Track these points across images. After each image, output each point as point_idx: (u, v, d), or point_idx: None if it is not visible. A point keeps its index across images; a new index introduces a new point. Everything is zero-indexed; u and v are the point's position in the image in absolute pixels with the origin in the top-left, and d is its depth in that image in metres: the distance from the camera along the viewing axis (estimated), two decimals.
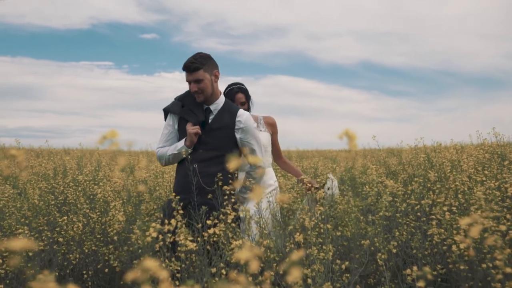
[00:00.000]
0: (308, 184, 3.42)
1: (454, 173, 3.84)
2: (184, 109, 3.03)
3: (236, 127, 3.01)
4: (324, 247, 2.68)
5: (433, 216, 3.07)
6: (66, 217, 3.64)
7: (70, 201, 4.16)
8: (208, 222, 2.58)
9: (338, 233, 2.88)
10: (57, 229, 3.60)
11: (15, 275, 3.26)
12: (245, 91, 3.55)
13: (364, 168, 5.25)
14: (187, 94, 3.08)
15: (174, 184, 3.09)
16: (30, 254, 3.07)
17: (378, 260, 2.70)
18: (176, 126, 3.09)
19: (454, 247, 2.64)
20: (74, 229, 3.57)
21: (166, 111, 3.14)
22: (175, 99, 3.12)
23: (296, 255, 0.77)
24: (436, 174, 4.20)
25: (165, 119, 3.15)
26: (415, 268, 2.47)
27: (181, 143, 2.98)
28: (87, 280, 3.47)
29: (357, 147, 1.11)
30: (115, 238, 3.50)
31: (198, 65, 2.94)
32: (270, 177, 3.53)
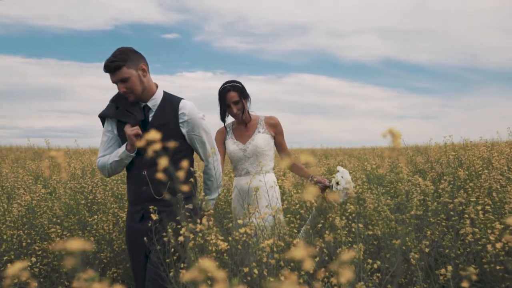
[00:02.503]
0: (319, 184, 3.30)
1: (486, 171, 3.76)
2: (119, 111, 2.70)
3: (180, 120, 2.69)
4: (354, 246, 2.66)
5: (466, 215, 3.01)
6: (96, 216, 3.68)
7: (99, 200, 4.21)
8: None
9: (370, 232, 2.84)
10: (88, 228, 3.65)
11: (48, 274, 3.32)
12: (239, 89, 3.28)
13: (391, 167, 5.19)
14: (120, 94, 2.72)
15: (127, 194, 2.83)
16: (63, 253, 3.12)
17: (411, 260, 2.66)
18: (115, 131, 2.76)
19: (489, 247, 2.59)
20: (104, 227, 3.61)
21: (102, 117, 2.80)
22: (110, 101, 2.79)
23: (347, 255, 0.76)
24: (467, 172, 4.13)
25: (103, 126, 2.81)
26: (449, 267, 2.43)
27: (122, 148, 2.67)
28: (117, 279, 3.51)
29: (400, 145, 1.08)
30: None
31: (120, 62, 2.58)
32: (269, 181, 3.26)
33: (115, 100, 2.75)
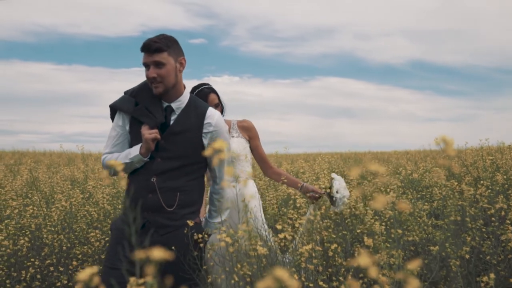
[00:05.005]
0: (311, 193, 3.08)
1: None
2: (138, 108, 2.39)
3: (205, 130, 2.41)
4: (393, 252, 2.64)
5: (508, 221, 2.95)
6: None
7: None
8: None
9: (410, 238, 2.81)
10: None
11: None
12: (216, 92, 3.12)
13: (426, 170, 5.12)
14: (142, 88, 2.45)
15: (125, 201, 2.57)
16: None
17: (452, 267, 2.62)
18: (127, 127, 2.46)
19: None
20: None
21: (114, 108, 2.49)
22: (125, 93, 2.50)
23: (413, 264, 0.76)
24: (505, 177, 4.05)
25: (112, 118, 2.52)
26: (492, 275, 2.39)
27: (135, 150, 2.36)
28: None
29: (454, 153, 1.08)
30: None
31: (162, 45, 2.31)
32: (250, 190, 3.09)
33: (134, 94, 2.45)
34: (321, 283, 2.42)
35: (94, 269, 0.89)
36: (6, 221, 3.52)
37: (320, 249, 2.64)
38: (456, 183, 3.73)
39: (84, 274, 0.89)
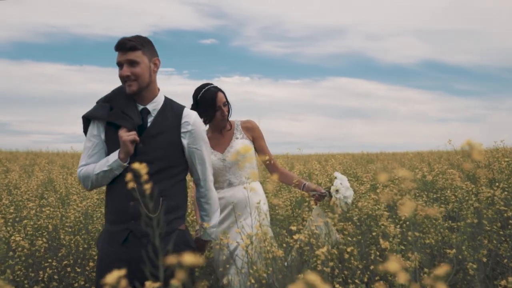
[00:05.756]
0: (313, 192, 3.03)
1: None
2: (113, 112, 2.32)
3: (183, 130, 2.36)
4: (409, 254, 2.63)
5: None
6: None
7: None
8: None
9: (428, 241, 2.79)
10: None
11: None
12: (223, 91, 3.04)
13: (441, 172, 5.09)
14: (115, 93, 2.40)
15: (105, 211, 2.40)
16: None
17: (469, 270, 2.60)
18: (103, 136, 2.37)
19: None
20: None
21: (87, 118, 2.40)
22: (97, 102, 2.42)
23: (441, 269, 0.77)
24: None
25: (85, 130, 2.43)
26: (510, 278, 2.36)
27: (113, 156, 2.27)
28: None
29: (480, 157, 1.08)
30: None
31: (137, 44, 2.27)
32: (256, 195, 2.97)
33: (109, 100, 2.39)
34: (337, 285, 2.42)
35: (122, 271, 0.90)
36: (25, 221, 3.56)
37: (336, 251, 2.63)
38: (471, 185, 3.70)
39: (112, 277, 0.90)
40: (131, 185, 1.24)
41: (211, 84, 3.03)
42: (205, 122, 3.00)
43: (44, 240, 3.42)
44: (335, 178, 3.01)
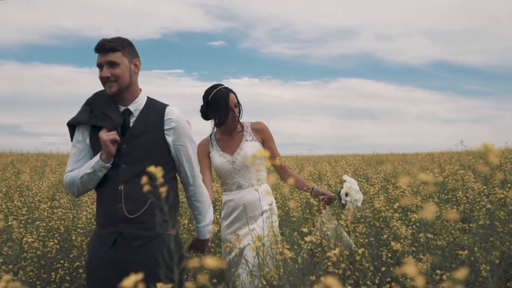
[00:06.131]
0: (323, 196, 2.98)
1: None
2: (94, 114, 2.31)
3: (166, 127, 2.32)
4: (421, 256, 2.61)
5: None
6: None
7: None
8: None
9: (440, 243, 2.77)
10: None
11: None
12: (234, 92, 3.00)
13: (452, 173, 5.06)
14: (96, 96, 2.39)
15: (96, 215, 2.39)
16: None
17: (482, 272, 2.58)
18: (87, 141, 2.35)
19: None
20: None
21: (71, 125, 2.39)
22: (83, 105, 2.43)
23: (461, 273, 0.76)
24: None
25: (71, 137, 2.41)
26: None
27: (96, 158, 2.25)
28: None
29: (496, 160, 1.08)
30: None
31: (116, 45, 2.25)
32: (266, 198, 2.93)
33: (89, 103, 2.38)
34: (349, 287, 2.41)
35: (139, 276, 0.91)
36: (37, 223, 3.59)
37: (347, 253, 2.63)
38: (483, 186, 3.68)
39: (129, 281, 0.91)
40: (146, 188, 1.24)
41: (222, 85, 3.00)
42: (217, 124, 3.00)
43: (56, 241, 3.44)
44: (344, 181, 2.98)
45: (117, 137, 2.22)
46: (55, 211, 3.87)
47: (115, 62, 2.24)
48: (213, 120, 3.03)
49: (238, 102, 2.99)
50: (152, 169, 1.24)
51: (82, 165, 2.32)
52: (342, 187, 2.93)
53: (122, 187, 2.23)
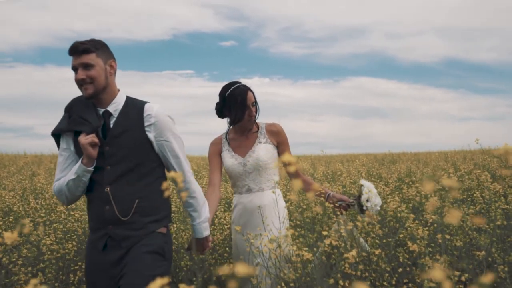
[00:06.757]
0: (339, 202, 2.89)
1: None
2: (72, 119, 2.30)
3: (146, 123, 2.28)
4: (438, 257, 2.61)
5: None
6: (175, 225, 3.81)
7: (174, 209, 4.34)
8: None
9: (459, 243, 2.76)
10: None
11: None
12: (252, 91, 2.89)
13: (468, 172, 5.03)
14: (74, 101, 2.37)
15: (88, 219, 2.39)
16: None
17: (501, 272, 2.57)
18: (72, 148, 2.34)
19: None
20: (183, 236, 3.72)
21: (55, 134, 2.39)
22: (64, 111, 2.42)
23: (487, 278, 0.77)
24: None
25: (58, 146, 2.40)
26: None
27: (78, 163, 2.25)
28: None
29: None
30: (217, 248, 3.61)
31: (90, 47, 2.22)
32: (272, 202, 2.83)
33: (68, 110, 2.36)
34: None
35: (165, 280, 0.92)
36: (54, 225, 3.63)
37: (365, 254, 2.63)
38: (499, 186, 3.65)
39: (155, 286, 0.92)
40: (167, 193, 1.25)
41: (240, 82, 2.89)
42: (231, 123, 2.89)
43: (74, 243, 3.48)
44: (362, 185, 2.90)
45: (96, 140, 2.21)
46: (71, 213, 3.91)
47: (89, 64, 2.22)
48: (228, 118, 2.92)
49: (256, 101, 2.88)
50: (172, 174, 1.25)
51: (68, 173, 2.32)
52: (361, 192, 2.86)
53: (108, 189, 2.22)
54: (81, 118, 2.28)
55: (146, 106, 2.31)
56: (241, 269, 0.66)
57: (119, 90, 2.36)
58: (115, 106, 2.30)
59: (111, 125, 2.27)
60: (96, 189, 2.26)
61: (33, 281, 1.13)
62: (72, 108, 2.34)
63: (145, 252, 2.18)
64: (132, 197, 2.22)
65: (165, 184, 1.28)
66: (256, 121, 2.93)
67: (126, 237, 2.21)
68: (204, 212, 2.42)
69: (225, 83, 2.91)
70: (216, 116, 2.94)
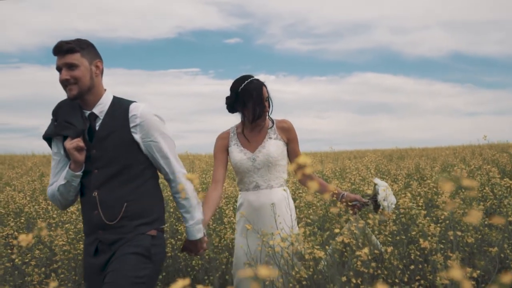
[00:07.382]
0: (355, 202, 2.81)
1: None
2: (58, 123, 2.25)
3: (132, 124, 2.20)
4: (450, 253, 2.60)
5: None
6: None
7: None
8: None
9: (470, 240, 2.75)
10: (179, 236, 3.79)
11: None
12: (266, 85, 2.79)
13: (478, 168, 5.01)
14: (60, 105, 2.31)
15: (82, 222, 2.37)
16: None
17: None
18: (62, 151, 2.29)
19: None
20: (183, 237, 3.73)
21: (46, 139, 2.35)
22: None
23: (506, 277, 0.77)
24: None
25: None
26: None
27: (66, 168, 2.23)
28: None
29: None
30: (231, 246, 3.61)
31: (74, 46, 2.16)
32: (281, 201, 2.74)
33: (54, 114, 2.30)
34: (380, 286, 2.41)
35: (186, 281, 0.93)
36: (66, 225, 3.65)
37: (377, 252, 2.62)
38: (510, 181, 3.64)
39: (176, 287, 0.93)
40: (183, 195, 1.25)
41: (253, 76, 2.78)
42: (252, 119, 2.75)
43: None
44: (375, 184, 2.84)
45: (81, 144, 2.17)
46: None
47: (73, 64, 2.16)
48: (240, 114, 2.81)
49: (269, 96, 2.78)
50: (188, 176, 1.26)
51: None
52: (377, 192, 2.81)
53: (96, 193, 2.19)
54: (66, 122, 2.22)
55: (132, 106, 2.25)
56: (263, 271, 0.66)
57: (105, 90, 2.30)
58: (101, 108, 2.24)
59: (97, 127, 2.22)
60: (86, 193, 2.24)
61: (53, 284, 1.14)
62: (58, 112, 2.29)
63: (131, 253, 2.14)
64: (120, 201, 2.18)
65: (181, 186, 1.28)
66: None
67: (116, 240, 2.18)
68: (197, 214, 2.35)
69: (230, 80, 2.81)
70: (223, 113, 2.85)
